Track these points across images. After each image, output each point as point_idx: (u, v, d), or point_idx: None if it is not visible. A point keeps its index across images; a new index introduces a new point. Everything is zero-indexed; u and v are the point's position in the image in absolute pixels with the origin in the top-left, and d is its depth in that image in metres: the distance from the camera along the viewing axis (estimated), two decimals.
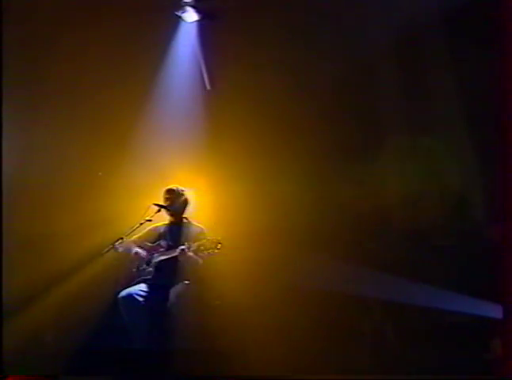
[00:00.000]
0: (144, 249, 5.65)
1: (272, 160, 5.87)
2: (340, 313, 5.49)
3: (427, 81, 5.90)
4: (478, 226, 5.61)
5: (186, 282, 5.44)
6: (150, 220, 5.55)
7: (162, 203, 5.67)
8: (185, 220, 5.75)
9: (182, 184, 5.81)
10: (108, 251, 5.37)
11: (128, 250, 5.59)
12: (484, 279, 5.19)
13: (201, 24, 6.31)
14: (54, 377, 4.90)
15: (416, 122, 5.82)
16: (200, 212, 5.86)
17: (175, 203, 5.71)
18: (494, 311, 4.98)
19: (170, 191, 5.74)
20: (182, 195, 5.76)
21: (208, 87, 6.29)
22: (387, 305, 5.47)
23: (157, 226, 5.74)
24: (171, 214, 5.73)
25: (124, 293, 5.35)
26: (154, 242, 5.68)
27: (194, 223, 5.73)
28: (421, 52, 5.93)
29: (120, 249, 5.45)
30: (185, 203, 5.77)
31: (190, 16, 6.29)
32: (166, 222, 5.77)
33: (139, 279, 5.50)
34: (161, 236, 5.70)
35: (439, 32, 5.86)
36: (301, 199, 5.76)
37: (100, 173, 6.05)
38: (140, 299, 5.34)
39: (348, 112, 5.96)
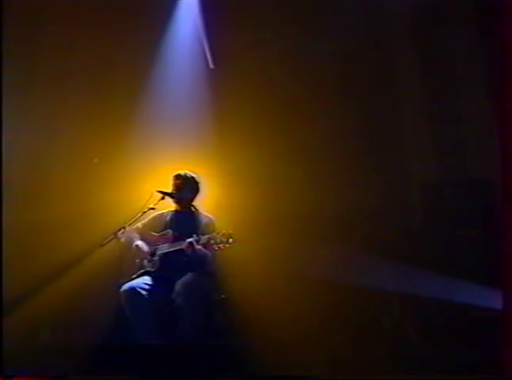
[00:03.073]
0: (147, 241, 5.36)
1: (282, 143, 5.54)
2: (355, 306, 5.24)
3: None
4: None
5: (193, 274, 5.13)
6: (153, 208, 5.27)
7: (169, 188, 5.37)
8: (192, 208, 5.44)
9: (190, 169, 5.49)
10: (109, 241, 5.07)
11: (130, 240, 5.30)
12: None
13: None
14: (60, 377, 4.73)
15: (432, 107, 5.57)
16: (206, 199, 5.55)
17: (183, 189, 5.40)
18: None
19: (178, 177, 5.42)
20: (192, 181, 5.45)
21: (212, 66, 5.96)
22: (404, 297, 5.23)
23: (162, 214, 5.43)
24: (177, 202, 5.42)
25: (126, 286, 5.05)
26: (159, 231, 5.37)
27: (202, 212, 5.43)
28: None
29: (123, 239, 5.16)
30: (196, 190, 5.46)
31: None
32: (172, 209, 5.46)
33: (143, 271, 5.21)
34: (166, 225, 5.37)
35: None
36: (315, 187, 5.47)
37: (95, 160, 5.76)
38: (144, 293, 5.05)
39: (358, 92, 5.66)
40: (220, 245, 4.95)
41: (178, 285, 5.05)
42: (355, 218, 5.47)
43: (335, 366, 4.86)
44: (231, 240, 4.94)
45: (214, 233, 5.03)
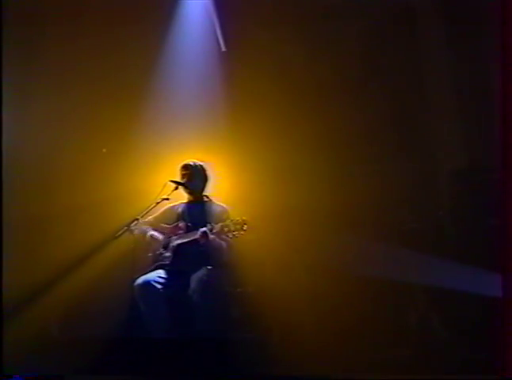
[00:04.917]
0: (161, 232, 5.21)
1: (299, 130, 5.34)
2: (376, 300, 5.08)
3: None
4: None
5: (208, 267, 4.97)
6: (167, 199, 5.11)
7: (178, 179, 5.22)
8: (205, 198, 5.29)
9: (200, 158, 5.33)
10: (122, 234, 4.92)
11: (144, 233, 5.15)
12: None
13: None
14: (60, 377, 4.61)
15: (460, 94, 5.38)
16: (220, 189, 5.38)
17: (193, 179, 5.25)
18: None
19: (186, 167, 5.26)
20: (201, 170, 5.29)
21: (224, 48, 5.75)
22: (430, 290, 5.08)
23: (174, 206, 5.28)
24: (189, 192, 5.26)
25: (140, 280, 4.92)
26: (172, 224, 5.21)
27: (215, 202, 5.27)
28: None
29: (136, 231, 5.00)
30: (205, 179, 5.30)
31: None
32: (184, 200, 5.30)
33: (157, 264, 5.06)
34: (179, 216, 5.23)
35: None
36: (334, 174, 5.28)
37: (104, 150, 5.57)
38: (158, 286, 4.92)
39: (379, 73, 5.46)
40: (235, 233, 4.84)
41: (193, 280, 4.92)
42: (378, 207, 5.26)
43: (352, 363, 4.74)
44: (245, 226, 4.82)
45: (227, 221, 4.91)
